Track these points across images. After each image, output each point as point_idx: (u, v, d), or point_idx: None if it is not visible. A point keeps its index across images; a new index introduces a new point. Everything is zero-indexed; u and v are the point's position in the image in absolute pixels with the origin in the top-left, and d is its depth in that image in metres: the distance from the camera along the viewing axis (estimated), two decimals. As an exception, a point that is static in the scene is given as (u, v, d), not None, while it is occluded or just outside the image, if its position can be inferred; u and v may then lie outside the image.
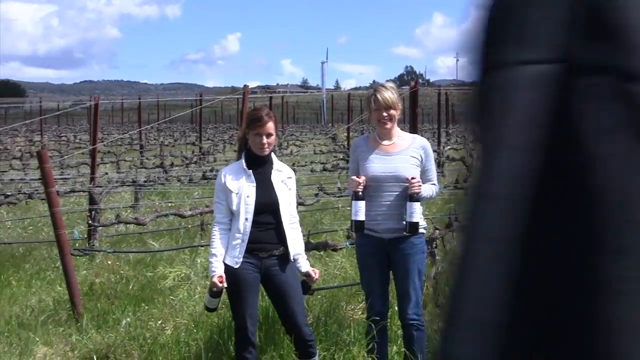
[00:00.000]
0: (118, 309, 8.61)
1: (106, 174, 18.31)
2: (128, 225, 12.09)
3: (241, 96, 11.96)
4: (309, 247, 7.93)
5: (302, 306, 6.45)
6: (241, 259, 6.15)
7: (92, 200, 12.14)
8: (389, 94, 6.42)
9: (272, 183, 6.31)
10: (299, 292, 6.40)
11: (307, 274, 6.44)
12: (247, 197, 6.17)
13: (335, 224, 13.09)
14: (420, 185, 6.26)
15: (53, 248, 10.72)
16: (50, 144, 36.92)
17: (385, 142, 6.51)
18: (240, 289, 6.17)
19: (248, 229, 6.15)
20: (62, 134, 47.78)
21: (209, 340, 7.44)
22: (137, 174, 18.57)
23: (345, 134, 28.89)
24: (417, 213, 6.26)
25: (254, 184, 6.22)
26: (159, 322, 8.03)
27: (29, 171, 21.85)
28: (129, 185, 15.28)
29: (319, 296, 8.43)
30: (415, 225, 6.28)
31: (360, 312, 8.10)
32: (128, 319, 8.19)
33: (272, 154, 6.40)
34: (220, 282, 6.02)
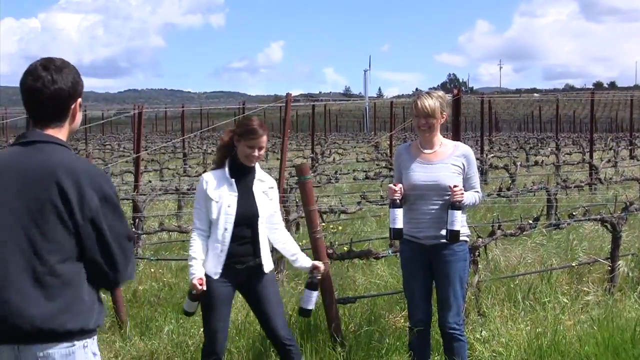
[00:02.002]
0: (161, 316, 8.66)
1: (150, 182, 18.43)
2: (171, 232, 12.16)
3: (284, 104, 11.98)
4: (351, 255, 7.91)
5: (279, 311, 6.37)
6: (220, 271, 6.10)
7: (135, 208, 12.23)
8: (429, 102, 6.38)
9: (253, 194, 6.22)
10: (277, 298, 6.36)
11: (314, 267, 6.37)
12: (228, 207, 6.08)
13: (377, 232, 13.05)
14: (462, 194, 6.22)
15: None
16: (94, 153, 37.32)
17: (427, 151, 6.49)
18: (213, 301, 6.13)
19: (227, 240, 6.08)
20: (107, 143, 48.31)
21: (252, 348, 7.45)
22: (180, 182, 18.69)
23: (388, 142, 28.82)
24: (458, 221, 6.22)
25: (236, 194, 6.12)
26: (202, 329, 8.05)
27: (74, 179, 22.05)
28: (172, 193, 15.34)
29: (360, 304, 8.40)
30: (455, 234, 6.24)
31: (402, 320, 8.07)
32: (171, 326, 8.23)
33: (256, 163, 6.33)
34: (200, 284, 5.94)
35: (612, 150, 34.70)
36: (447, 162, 6.40)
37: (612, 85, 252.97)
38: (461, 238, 6.36)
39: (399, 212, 6.38)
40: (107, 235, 3.67)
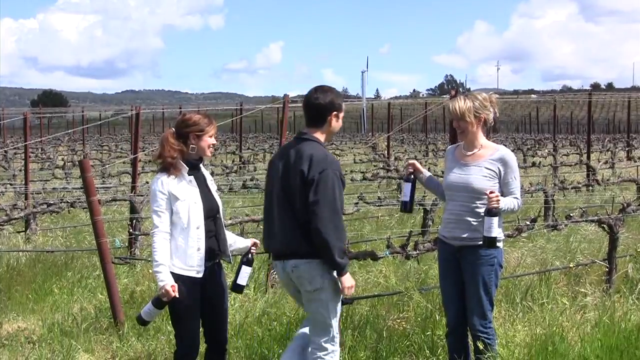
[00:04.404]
0: (159, 317, 8.63)
1: (147, 183, 18.39)
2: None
3: (281, 105, 11.96)
4: (349, 257, 7.90)
5: (227, 313, 6.57)
6: (203, 268, 6.11)
7: (133, 209, 12.21)
8: (459, 105, 6.39)
9: (209, 187, 6.31)
10: (227, 299, 6.55)
11: (253, 243, 6.59)
12: (195, 203, 6.08)
13: (376, 234, 13.04)
14: (498, 200, 6.19)
15: (95, 256, 10.80)
16: (92, 153, 37.26)
17: (467, 153, 6.52)
18: (189, 301, 6.11)
19: (203, 236, 6.09)
20: (104, 143, 48.17)
21: (249, 349, 7.45)
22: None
23: (385, 143, 28.79)
24: (495, 228, 6.18)
25: (197, 190, 6.16)
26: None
27: (72, 180, 22.07)
28: (169, 194, 15.30)
29: (360, 305, 8.40)
30: (492, 240, 6.22)
31: (402, 322, 8.07)
32: (169, 327, 8.22)
33: None
34: (174, 291, 5.90)
35: (609, 152, 34.69)
36: (481, 165, 6.39)
37: (610, 86, 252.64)
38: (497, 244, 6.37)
39: (407, 186, 6.65)
40: (311, 199, 5.81)
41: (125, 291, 9.57)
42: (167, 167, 6.12)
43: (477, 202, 6.32)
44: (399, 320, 8.14)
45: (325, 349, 6.11)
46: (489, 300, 6.49)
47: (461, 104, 6.38)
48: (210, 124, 6.24)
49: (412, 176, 6.68)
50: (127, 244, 11.93)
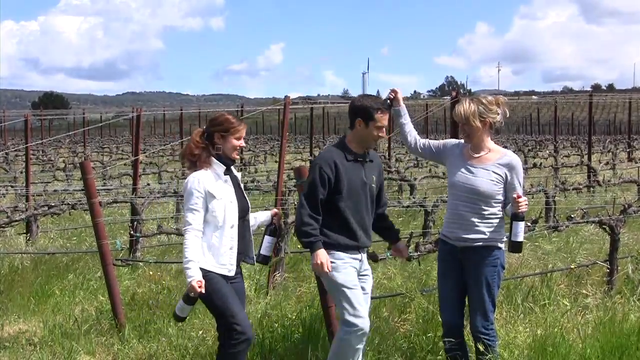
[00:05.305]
0: (160, 319, 8.63)
1: (148, 184, 18.40)
2: (170, 235, 12.12)
3: (282, 107, 11.97)
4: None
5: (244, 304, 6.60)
6: (234, 267, 6.16)
7: (134, 211, 12.21)
8: (463, 108, 6.35)
9: (241, 187, 6.37)
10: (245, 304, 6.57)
11: (274, 213, 6.72)
12: (230, 202, 6.12)
13: (377, 235, 12.99)
14: (526, 204, 6.19)
15: (96, 258, 10.78)
16: (93, 155, 37.29)
17: (474, 154, 6.48)
18: (230, 292, 6.16)
19: (236, 236, 6.14)
20: (105, 145, 48.22)
21: (250, 350, 7.44)
22: (178, 185, 18.63)
23: (387, 145, 28.76)
24: (521, 232, 6.19)
25: (233, 189, 6.20)
26: (200, 332, 8.04)
27: (72, 182, 22.09)
28: (170, 196, 15.29)
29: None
30: (518, 245, 6.25)
31: (405, 324, 8.06)
32: (170, 329, 8.21)
33: None
34: (200, 287, 5.91)
35: (610, 153, 34.73)
36: (489, 169, 6.37)
37: (611, 87, 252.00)
38: (499, 245, 6.41)
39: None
40: None
41: (127, 293, 9.56)
42: (194, 162, 6.18)
43: (482, 204, 6.33)
44: (401, 322, 8.14)
45: (341, 326, 6.42)
46: (491, 301, 6.48)
47: (466, 107, 6.32)
48: (236, 126, 6.24)
49: (390, 102, 6.74)
50: (128, 246, 11.93)
